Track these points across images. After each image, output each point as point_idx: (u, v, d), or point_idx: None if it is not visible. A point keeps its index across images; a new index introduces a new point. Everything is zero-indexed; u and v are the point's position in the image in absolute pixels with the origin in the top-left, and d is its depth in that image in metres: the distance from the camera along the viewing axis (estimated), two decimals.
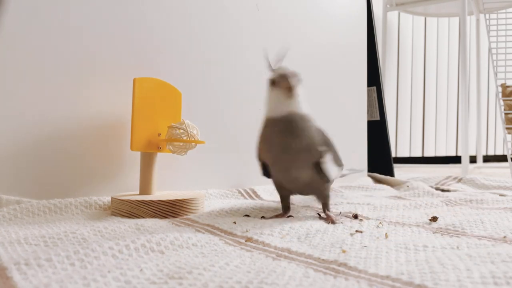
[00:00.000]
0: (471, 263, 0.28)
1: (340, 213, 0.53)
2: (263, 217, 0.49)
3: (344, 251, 0.33)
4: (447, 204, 0.59)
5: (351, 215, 0.50)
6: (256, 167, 0.78)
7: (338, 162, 0.51)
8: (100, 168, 0.57)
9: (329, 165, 0.47)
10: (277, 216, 0.50)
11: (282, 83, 0.43)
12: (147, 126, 0.54)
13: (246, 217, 0.49)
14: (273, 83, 0.44)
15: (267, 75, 0.46)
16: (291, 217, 0.49)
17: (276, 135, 0.44)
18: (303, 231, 0.41)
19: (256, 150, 0.49)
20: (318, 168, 0.46)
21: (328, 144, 0.48)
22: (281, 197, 0.52)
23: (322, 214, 0.51)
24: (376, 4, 1.75)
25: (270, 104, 0.45)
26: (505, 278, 0.25)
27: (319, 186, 0.49)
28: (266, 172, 0.51)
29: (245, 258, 0.32)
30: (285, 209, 0.51)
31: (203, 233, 0.41)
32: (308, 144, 0.45)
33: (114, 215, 0.49)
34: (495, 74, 1.15)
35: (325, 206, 0.50)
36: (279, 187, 0.51)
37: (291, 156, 0.45)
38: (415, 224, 0.46)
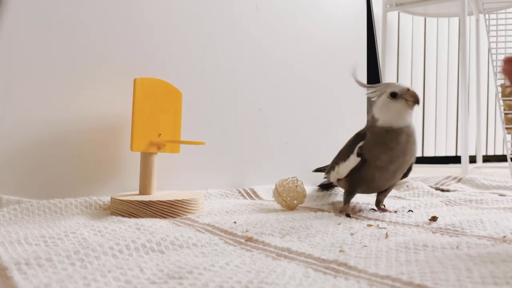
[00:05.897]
0: (471, 263, 0.28)
1: (395, 211, 0.55)
2: (348, 214, 0.52)
3: (341, 251, 0.33)
4: (447, 204, 0.59)
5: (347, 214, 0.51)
6: (255, 167, 0.79)
7: None
8: (100, 168, 0.57)
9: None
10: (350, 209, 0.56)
11: (408, 95, 0.48)
12: (147, 126, 0.54)
13: (246, 217, 0.49)
14: (395, 95, 0.49)
15: (359, 87, 0.54)
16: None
17: (399, 142, 0.49)
18: (303, 230, 0.41)
19: (350, 147, 0.53)
20: (408, 171, 0.53)
21: None
22: (353, 193, 0.55)
23: (382, 206, 0.56)
24: (376, 4, 1.74)
25: (391, 115, 0.49)
26: (504, 278, 0.25)
27: (393, 185, 0.55)
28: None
29: (245, 258, 0.32)
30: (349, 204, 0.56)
31: (203, 233, 0.41)
32: (416, 150, 0.52)
33: (114, 215, 0.49)
34: (495, 74, 1.14)
35: (382, 201, 0.56)
36: (358, 186, 0.54)
37: (406, 159, 0.50)
38: (415, 224, 0.46)
